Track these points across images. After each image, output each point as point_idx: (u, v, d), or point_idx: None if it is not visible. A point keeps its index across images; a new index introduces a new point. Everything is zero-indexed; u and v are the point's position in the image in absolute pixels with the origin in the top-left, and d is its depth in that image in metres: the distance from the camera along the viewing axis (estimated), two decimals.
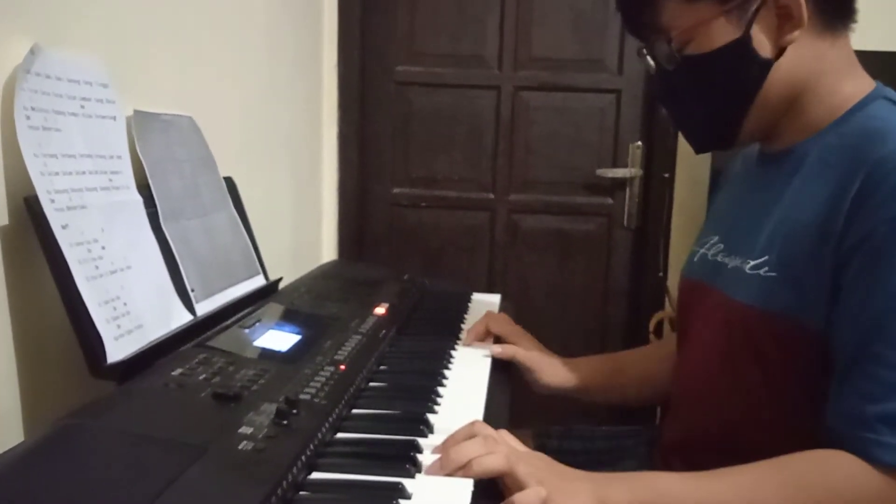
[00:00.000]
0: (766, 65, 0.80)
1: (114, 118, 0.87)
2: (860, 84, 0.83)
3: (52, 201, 0.73)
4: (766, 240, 0.82)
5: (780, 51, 0.80)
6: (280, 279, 1.18)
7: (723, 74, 0.82)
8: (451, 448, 0.68)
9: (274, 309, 1.04)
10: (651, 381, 1.09)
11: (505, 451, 0.68)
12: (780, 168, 0.85)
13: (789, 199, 0.81)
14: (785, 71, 0.80)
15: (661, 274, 2.09)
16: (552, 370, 1.07)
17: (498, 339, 1.11)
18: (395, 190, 2.18)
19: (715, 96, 0.84)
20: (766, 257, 0.80)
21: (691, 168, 2.04)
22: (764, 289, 0.79)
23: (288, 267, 1.51)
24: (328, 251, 2.10)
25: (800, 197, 0.80)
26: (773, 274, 0.79)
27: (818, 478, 0.69)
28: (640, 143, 2.10)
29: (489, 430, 0.72)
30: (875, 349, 0.69)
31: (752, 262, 0.82)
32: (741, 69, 0.81)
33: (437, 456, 0.68)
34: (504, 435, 0.74)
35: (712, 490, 0.70)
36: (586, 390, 1.08)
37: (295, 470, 0.61)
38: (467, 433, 0.71)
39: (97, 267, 0.76)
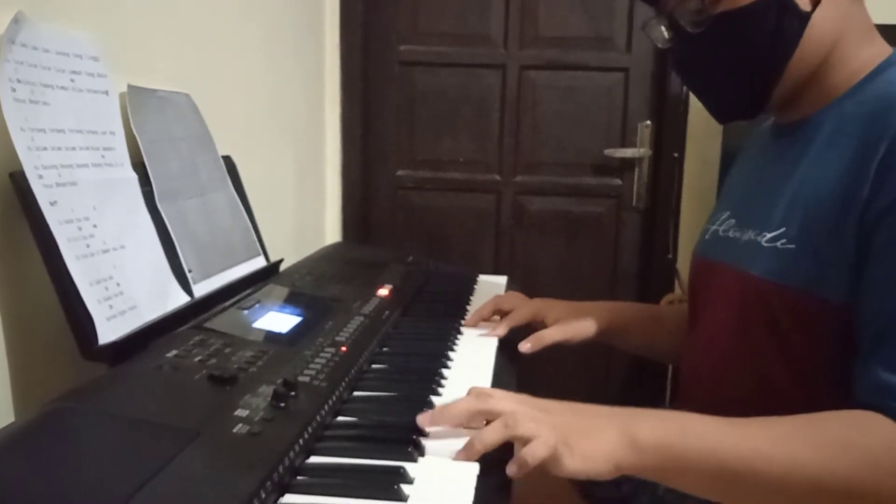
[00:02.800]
0: (805, 18, 0.76)
1: (106, 93, 0.85)
2: (878, 50, 0.80)
3: (41, 177, 0.70)
4: (782, 211, 0.79)
5: (815, 4, 0.76)
6: (281, 261, 1.16)
7: (760, 31, 0.77)
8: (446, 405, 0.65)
9: (274, 290, 1.01)
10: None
11: (502, 408, 0.64)
12: (795, 139, 0.82)
13: (806, 170, 0.78)
14: (819, 27, 0.77)
15: (670, 256, 2.06)
16: (586, 323, 1.03)
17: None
18: (400, 172, 2.15)
19: (750, 56, 0.79)
20: (784, 229, 0.77)
21: (701, 148, 2.00)
22: (782, 261, 0.77)
23: (291, 250, 1.49)
24: (332, 234, 2.08)
25: (817, 167, 0.77)
26: (792, 246, 0.76)
27: (860, 438, 0.64)
28: (648, 122, 2.06)
29: (486, 389, 0.69)
30: None
31: (769, 235, 0.79)
32: (781, 23, 0.76)
33: (440, 440, 0.66)
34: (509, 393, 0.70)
35: (749, 436, 0.65)
36: (623, 335, 1.06)
37: (292, 454, 0.58)
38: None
39: (88, 245, 0.74)
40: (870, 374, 0.67)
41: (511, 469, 0.62)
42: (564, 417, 0.65)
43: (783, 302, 0.76)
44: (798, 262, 0.75)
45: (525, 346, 0.99)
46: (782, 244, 0.77)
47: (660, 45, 0.86)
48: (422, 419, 0.65)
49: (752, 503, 0.67)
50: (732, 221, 0.89)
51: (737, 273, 0.83)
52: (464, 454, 0.63)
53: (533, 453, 0.61)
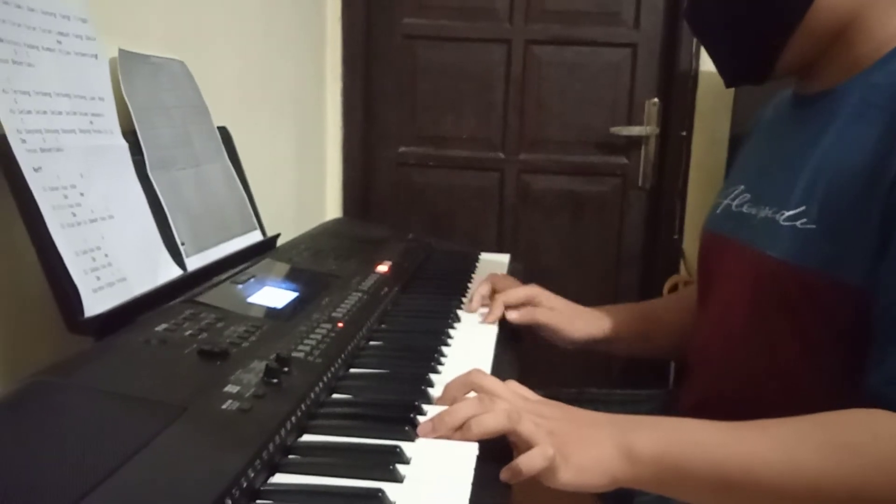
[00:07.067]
0: None
1: (95, 56, 0.81)
2: None
3: (24, 141, 0.67)
4: (802, 189, 0.75)
5: None
6: (278, 235, 1.13)
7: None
8: (445, 410, 0.62)
9: (270, 265, 0.98)
10: (683, 331, 1.00)
11: (505, 407, 0.61)
12: (817, 111, 0.79)
13: (829, 144, 0.75)
14: None
15: (676, 236, 2.03)
16: (578, 323, 1.00)
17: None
18: (402, 149, 2.11)
19: (755, 17, 0.77)
20: (804, 207, 0.74)
21: (710, 126, 1.96)
22: (800, 242, 0.73)
23: (290, 226, 1.46)
24: (332, 211, 2.05)
25: (842, 141, 0.73)
26: (812, 226, 0.73)
27: (866, 439, 0.61)
28: (656, 99, 2.02)
29: (488, 380, 0.66)
30: None
31: (788, 213, 0.75)
32: None
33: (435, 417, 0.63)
34: (511, 385, 0.68)
35: (748, 442, 0.63)
36: (617, 340, 1.02)
37: (283, 432, 0.56)
38: (462, 383, 0.66)
39: (74, 214, 0.71)
40: (885, 364, 0.64)
41: (505, 475, 0.59)
42: (560, 424, 0.63)
43: (799, 283, 0.73)
44: (817, 243, 0.72)
45: (513, 315, 0.97)
46: (802, 224, 0.73)
47: None
48: (422, 430, 0.62)
49: None
50: (747, 196, 0.86)
51: (751, 252, 0.80)
52: (459, 435, 0.60)
53: (530, 463, 0.58)
